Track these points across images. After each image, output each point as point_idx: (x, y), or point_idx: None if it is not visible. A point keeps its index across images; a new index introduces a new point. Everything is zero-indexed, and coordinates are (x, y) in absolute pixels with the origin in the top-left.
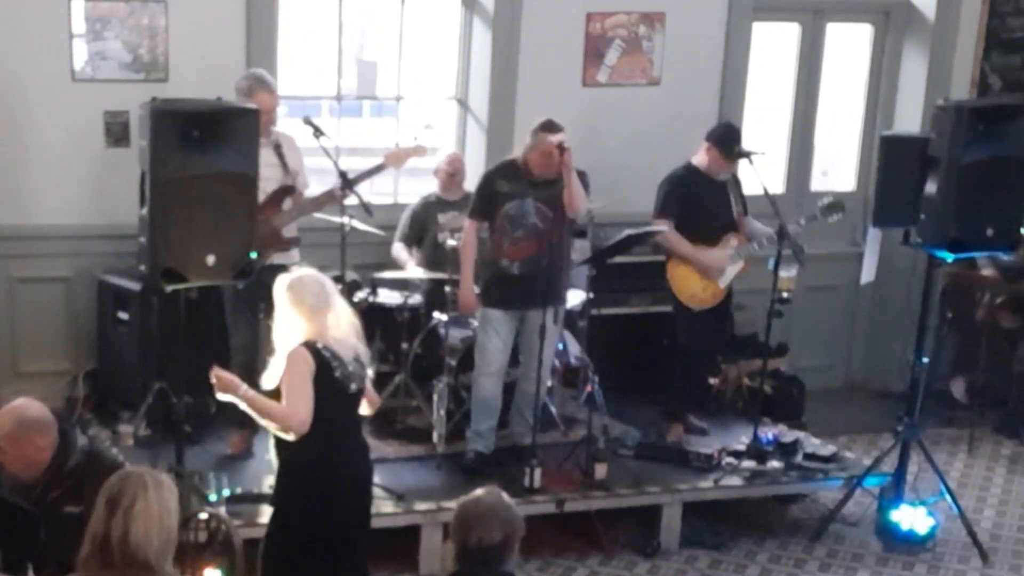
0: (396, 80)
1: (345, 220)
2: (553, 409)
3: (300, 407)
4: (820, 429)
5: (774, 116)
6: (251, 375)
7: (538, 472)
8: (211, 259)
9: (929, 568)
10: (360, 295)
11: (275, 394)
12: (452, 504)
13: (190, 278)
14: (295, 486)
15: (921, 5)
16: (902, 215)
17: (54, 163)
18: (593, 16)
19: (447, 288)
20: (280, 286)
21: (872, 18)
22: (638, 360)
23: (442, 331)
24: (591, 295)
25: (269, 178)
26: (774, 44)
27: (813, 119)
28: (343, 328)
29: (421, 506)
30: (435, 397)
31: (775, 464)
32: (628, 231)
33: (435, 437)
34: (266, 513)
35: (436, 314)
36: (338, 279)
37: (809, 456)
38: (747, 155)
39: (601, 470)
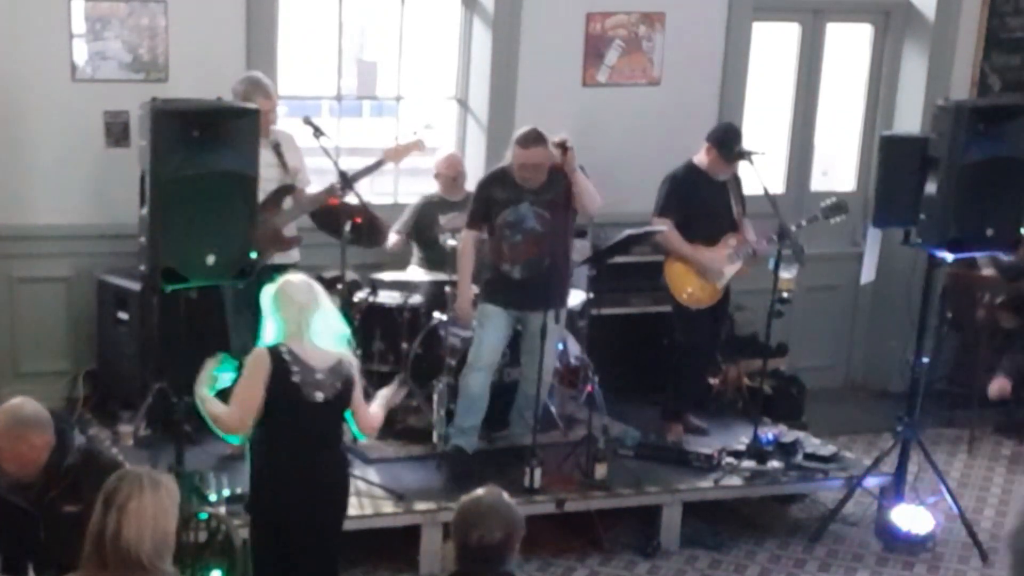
0: (396, 80)
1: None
2: (553, 409)
3: (235, 410)
4: (820, 429)
5: (774, 116)
6: None
7: (538, 472)
8: (211, 259)
9: (929, 568)
10: (360, 295)
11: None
12: (452, 504)
13: (190, 278)
14: (258, 490)
15: (921, 5)
16: (902, 215)
17: (54, 163)
18: (593, 16)
19: (447, 288)
20: (269, 288)
21: (872, 18)
22: (638, 360)
23: (442, 331)
24: (591, 295)
25: (269, 178)
26: (774, 44)
27: (813, 119)
28: (326, 337)
29: (421, 506)
30: (435, 397)
31: (775, 464)
32: (628, 231)
33: (435, 437)
34: None
35: (436, 314)
36: (338, 279)
37: (809, 456)
38: (747, 155)
39: (601, 470)
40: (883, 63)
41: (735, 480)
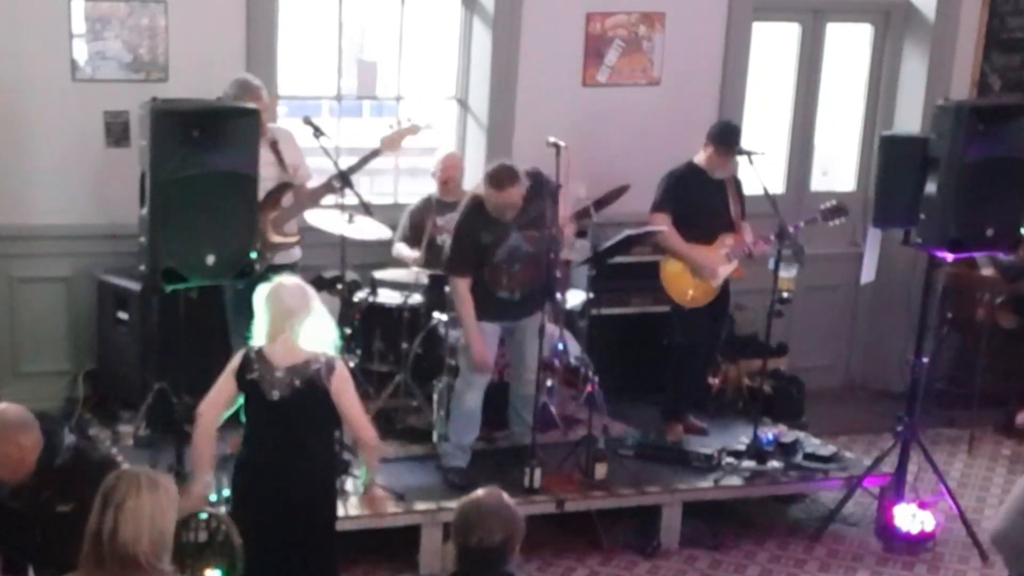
0: (396, 80)
1: (345, 219)
2: (553, 409)
3: (206, 398)
4: (820, 429)
5: (774, 116)
6: None
7: (538, 472)
8: (211, 259)
9: (929, 568)
10: (360, 295)
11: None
12: (452, 504)
13: (190, 278)
14: (233, 483)
15: (921, 5)
16: (902, 215)
17: (54, 163)
18: (593, 16)
19: (447, 288)
20: (263, 287)
21: (872, 18)
22: (638, 360)
23: (442, 331)
24: (591, 295)
25: (267, 176)
26: (774, 44)
27: (813, 119)
28: (313, 342)
29: (421, 506)
30: (435, 397)
31: (775, 464)
32: (628, 231)
33: (435, 437)
34: None
35: (436, 314)
36: (338, 279)
37: (809, 456)
38: (745, 153)
39: (601, 470)
40: (883, 63)
41: (735, 480)
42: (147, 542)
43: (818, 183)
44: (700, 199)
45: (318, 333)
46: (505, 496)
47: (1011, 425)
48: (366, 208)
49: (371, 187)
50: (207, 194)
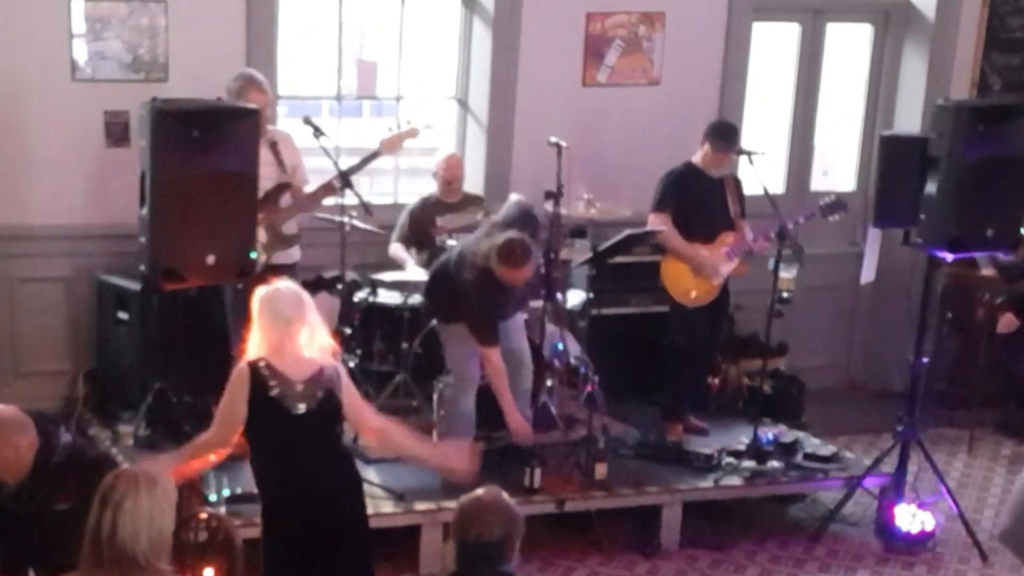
0: (396, 80)
1: (345, 220)
2: (553, 409)
3: (219, 429)
4: (820, 429)
5: (774, 116)
6: None
7: (538, 472)
8: (211, 259)
9: (929, 568)
10: (360, 295)
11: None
12: (452, 504)
13: (190, 278)
14: (262, 498)
15: (921, 5)
16: (902, 215)
17: (54, 163)
18: (593, 16)
19: None
20: (258, 294)
21: (872, 18)
22: (638, 360)
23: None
24: (591, 295)
25: (266, 176)
26: (774, 44)
27: (813, 119)
28: (310, 349)
29: (421, 506)
30: (435, 397)
31: (775, 464)
32: (628, 231)
33: (435, 437)
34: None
35: (431, 319)
36: (338, 279)
37: (809, 456)
38: (745, 153)
39: (601, 470)
40: (883, 63)
41: (735, 480)
42: (146, 542)
43: (818, 183)
44: (699, 198)
45: (318, 339)
46: (504, 494)
47: (1009, 423)
48: (366, 208)
49: (371, 187)
50: (207, 194)
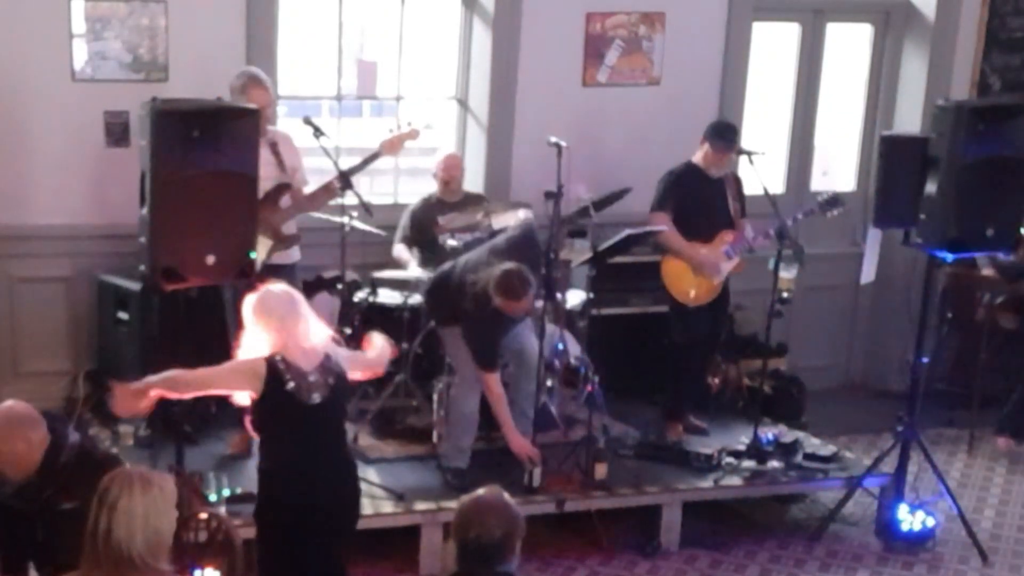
0: (396, 80)
1: (345, 220)
2: (553, 409)
3: (199, 377)
4: (820, 429)
5: (774, 116)
6: None
7: (538, 472)
8: (211, 259)
9: (929, 568)
10: (360, 295)
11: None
12: (452, 504)
13: (190, 278)
14: (264, 495)
15: (921, 5)
16: (902, 215)
17: (54, 163)
18: (593, 16)
19: None
20: (249, 300)
21: (872, 18)
22: (638, 360)
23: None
24: (591, 295)
25: (266, 176)
26: (774, 44)
27: (813, 119)
28: (312, 339)
29: (421, 506)
30: (435, 397)
31: (775, 464)
32: (628, 231)
33: (435, 437)
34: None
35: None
36: (338, 279)
37: (809, 456)
38: (745, 153)
39: (601, 470)
40: (883, 63)
41: (735, 480)
42: (142, 542)
43: (818, 183)
44: (699, 198)
45: (315, 331)
46: (505, 494)
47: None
48: (366, 208)
49: (371, 187)
50: (207, 194)
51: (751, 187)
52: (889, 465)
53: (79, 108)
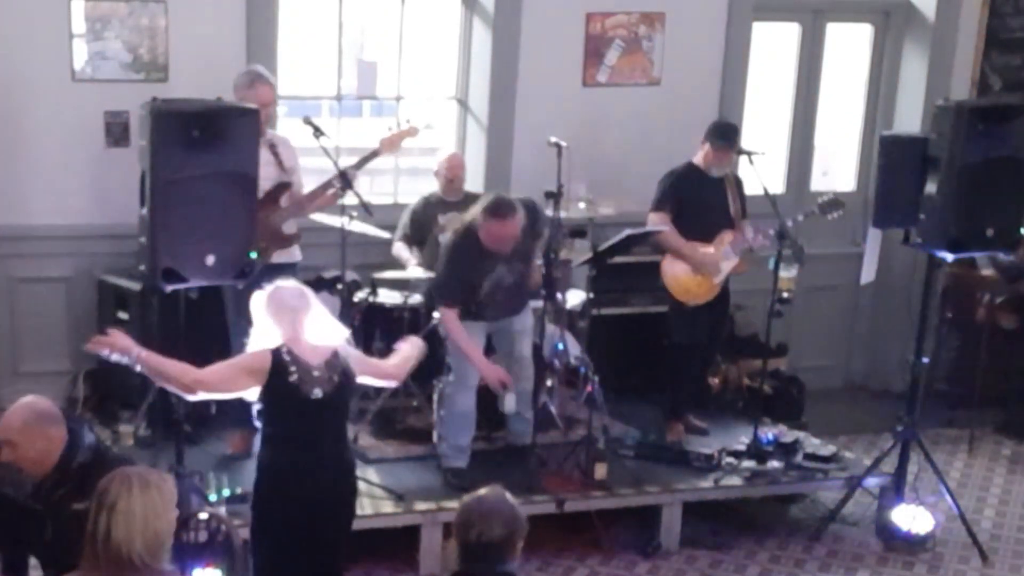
0: (396, 80)
1: (345, 220)
2: (553, 409)
3: (208, 368)
4: (820, 429)
5: (774, 116)
6: None
7: (511, 398)
8: (211, 259)
9: (929, 568)
10: (360, 295)
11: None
12: (452, 504)
13: (190, 278)
14: (260, 487)
15: (921, 5)
16: (902, 215)
17: (54, 163)
18: (593, 16)
19: None
20: (260, 294)
21: (872, 18)
22: (638, 360)
23: (442, 331)
24: (591, 295)
25: (265, 176)
26: (774, 44)
27: (813, 119)
28: (324, 332)
29: (421, 506)
30: (435, 397)
31: (775, 464)
32: (628, 231)
33: (435, 437)
34: None
35: (436, 314)
36: (338, 279)
37: (809, 456)
38: (745, 153)
39: (601, 470)
40: (883, 63)
41: (735, 480)
42: (141, 543)
43: (818, 183)
44: (699, 198)
45: (328, 326)
46: (507, 494)
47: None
48: (366, 208)
49: (371, 187)
50: (207, 194)
51: (751, 187)
52: (889, 465)
53: (79, 108)
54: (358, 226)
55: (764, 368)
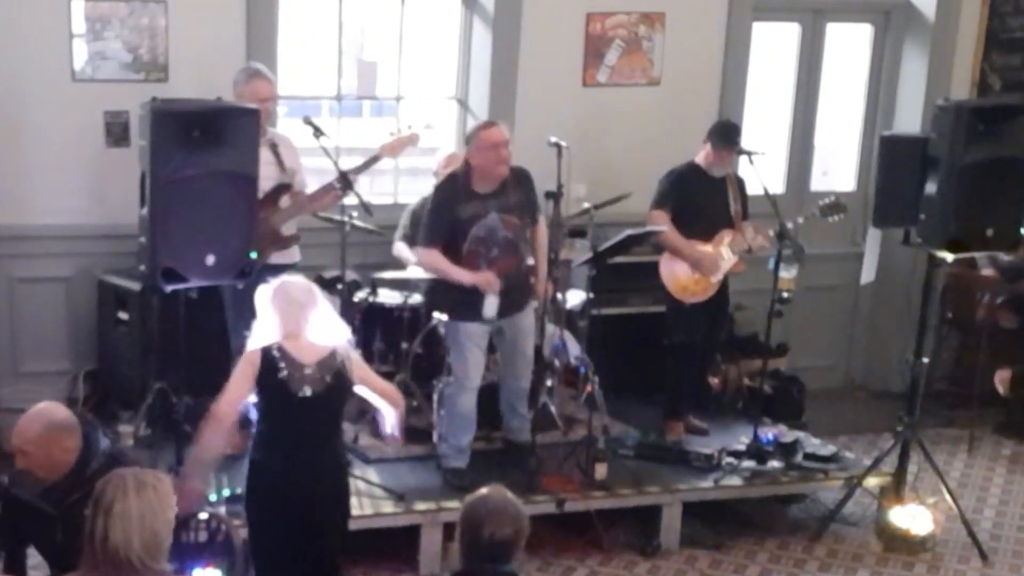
0: (396, 80)
1: (345, 220)
2: (553, 409)
3: (222, 399)
4: (820, 429)
5: (774, 116)
6: None
7: (493, 300)
8: (211, 259)
9: (929, 568)
10: (360, 295)
11: None
12: (452, 504)
13: (190, 278)
14: (249, 485)
15: (921, 5)
16: (902, 215)
17: (54, 163)
18: (593, 16)
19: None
20: (267, 287)
21: (872, 18)
22: (638, 360)
23: (442, 331)
24: (591, 295)
25: (266, 176)
26: (774, 44)
27: (813, 119)
28: (325, 331)
29: (421, 506)
30: (435, 397)
31: (775, 464)
32: (628, 231)
33: (435, 437)
34: None
35: (436, 314)
36: (338, 279)
37: (809, 456)
38: (745, 153)
39: (601, 470)
40: (883, 63)
41: (735, 480)
42: (139, 544)
43: (818, 183)
44: (700, 197)
45: (331, 326)
46: (508, 492)
47: (1011, 424)
48: (366, 208)
49: (371, 187)
50: (207, 194)
51: (751, 187)
52: (889, 465)
53: (79, 108)
54: (358, 226)
55: (764, 368)
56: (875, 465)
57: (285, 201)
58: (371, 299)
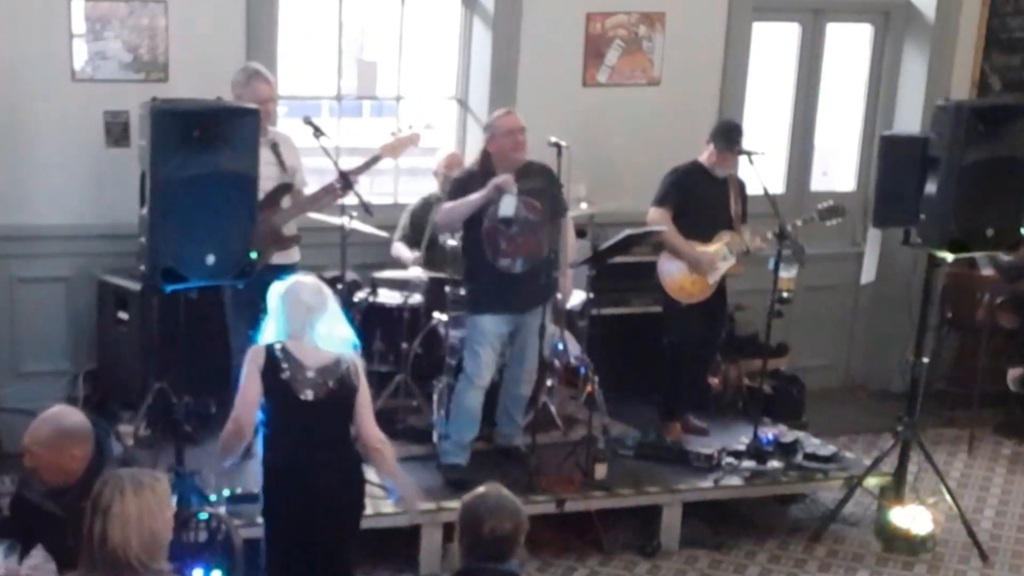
0: (396, 80)
1: (345, 220)
2: (553, 409)
3: (238, 405)
4: (820, 429)
5: (774, 116)
6: None
7: (512, 199)
8: (211, 259)
9: (929, 568)
10: (360, 295)
11: None
12: (452, 504)
13: (190, 278)
14: (265, 488)
15: (921, 5)
16: (902, 215)
17: (54, 163)
18: (593, 16)
19: (447, 288)
20: (279, 285)
21: (872, 18)
22: (638, 360)
23: (442, 331)
24: (591, 295)
25: (267, 176)
26: (774, 44)
27: (813, 119)
28: (330, 341)
29: (421, 506)
30: (435, 397)
31: (775, 464)
32: (628, 231)
33: (435, 437)
34: None
35: (436, 314)
36: (338, 279)
37: (809, 456)
38: (745, 153)
39: (601, 470)
40: (883, 63)
41: (735, 480)
42: (137, 544)
43: (818, 183)
44: (701, 196)
45: (338, 331)
46: (504, 489)
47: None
48: (367, 209)
49: (371, 187)
50: (207, 194)
51: (751, 187)
52: (889, 465)
53: (79, 108)
54: (358, 226)
55: (764, 368)
56: (875, 465)
57: (287, 201)
58: (371, 299)
